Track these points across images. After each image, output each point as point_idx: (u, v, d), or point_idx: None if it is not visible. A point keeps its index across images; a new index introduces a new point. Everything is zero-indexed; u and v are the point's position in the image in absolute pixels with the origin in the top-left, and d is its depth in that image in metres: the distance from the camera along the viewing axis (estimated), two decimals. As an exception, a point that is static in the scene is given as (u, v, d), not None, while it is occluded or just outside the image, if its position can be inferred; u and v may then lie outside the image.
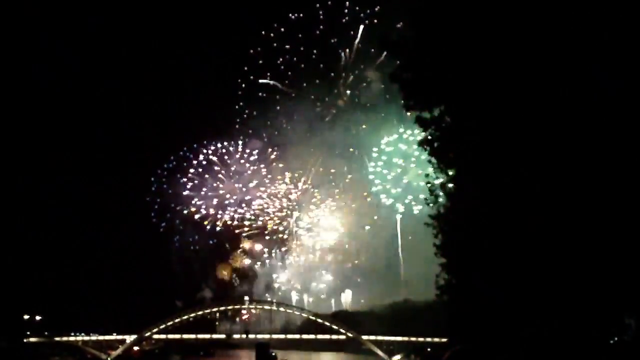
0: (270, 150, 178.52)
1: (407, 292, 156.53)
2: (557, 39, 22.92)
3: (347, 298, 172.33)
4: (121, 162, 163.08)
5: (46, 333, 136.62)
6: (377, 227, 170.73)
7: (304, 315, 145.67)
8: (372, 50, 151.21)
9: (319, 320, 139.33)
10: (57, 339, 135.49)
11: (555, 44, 22.96)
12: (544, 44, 23.20)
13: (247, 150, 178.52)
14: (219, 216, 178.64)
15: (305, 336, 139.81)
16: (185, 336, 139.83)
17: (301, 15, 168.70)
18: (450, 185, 30.27)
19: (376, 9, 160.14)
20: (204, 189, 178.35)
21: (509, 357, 25.98)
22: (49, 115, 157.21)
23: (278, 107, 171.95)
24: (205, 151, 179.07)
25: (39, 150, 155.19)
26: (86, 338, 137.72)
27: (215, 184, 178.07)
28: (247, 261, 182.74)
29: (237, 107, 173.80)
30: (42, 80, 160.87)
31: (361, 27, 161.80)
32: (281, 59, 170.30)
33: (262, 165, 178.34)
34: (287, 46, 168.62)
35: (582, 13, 22.55)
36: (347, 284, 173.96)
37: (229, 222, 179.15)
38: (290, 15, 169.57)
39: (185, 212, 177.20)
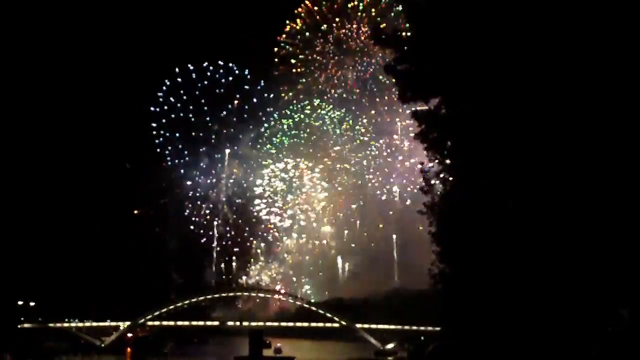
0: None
1: (402, 280, 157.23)
2: (554, 30, 22.88)
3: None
4: (115, 144, 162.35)
5: (40, 319, 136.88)
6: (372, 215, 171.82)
7: (298, 303, 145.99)
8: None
9: (313, 308, 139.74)
10: (51, 325, 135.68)
11: (553, 35, 22.92)
12: (541, 36, 23.16)
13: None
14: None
15: (299, 324, 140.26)
16: (179, 323, 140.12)
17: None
18: (446, 173, 30.22)
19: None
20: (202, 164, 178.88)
21: (498, 348, 26.03)
22: (43, 98, 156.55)
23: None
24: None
25: (30, 135, 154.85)
26: (80, 324, 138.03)
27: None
28: None
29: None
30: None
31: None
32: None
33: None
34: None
35: (582, 6, 22.54)
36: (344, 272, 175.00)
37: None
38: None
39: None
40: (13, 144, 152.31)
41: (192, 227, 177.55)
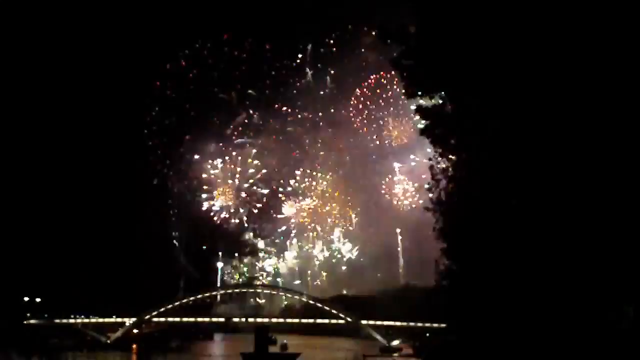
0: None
1: (407, 277, 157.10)
2: (559, 25, 22.82)
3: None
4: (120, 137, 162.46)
5: (46, 315, 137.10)
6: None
7: (304, 299, 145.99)
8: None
9: (319, 305, 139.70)
10: (57, 321, 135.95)
11: (557, 31, 22.86)
12: (545, 31, 23.10)
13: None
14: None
15: (304, 320, 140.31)
16: (185, 319, 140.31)
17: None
18: (452, 170, 30.18)
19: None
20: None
21: (502, 345, 26.01)
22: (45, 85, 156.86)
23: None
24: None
25: (35, 129, 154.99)
26: (86, 320, 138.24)
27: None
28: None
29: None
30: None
31: None
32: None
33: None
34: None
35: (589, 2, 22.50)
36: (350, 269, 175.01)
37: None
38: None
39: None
40: (18, 139, 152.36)
41: (199, 222, 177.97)
